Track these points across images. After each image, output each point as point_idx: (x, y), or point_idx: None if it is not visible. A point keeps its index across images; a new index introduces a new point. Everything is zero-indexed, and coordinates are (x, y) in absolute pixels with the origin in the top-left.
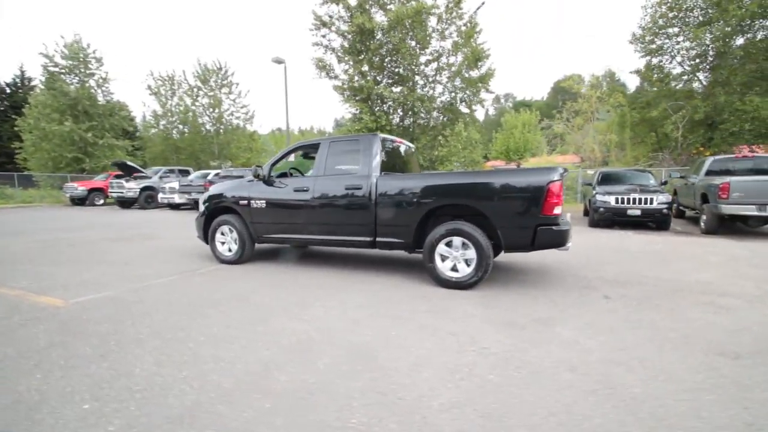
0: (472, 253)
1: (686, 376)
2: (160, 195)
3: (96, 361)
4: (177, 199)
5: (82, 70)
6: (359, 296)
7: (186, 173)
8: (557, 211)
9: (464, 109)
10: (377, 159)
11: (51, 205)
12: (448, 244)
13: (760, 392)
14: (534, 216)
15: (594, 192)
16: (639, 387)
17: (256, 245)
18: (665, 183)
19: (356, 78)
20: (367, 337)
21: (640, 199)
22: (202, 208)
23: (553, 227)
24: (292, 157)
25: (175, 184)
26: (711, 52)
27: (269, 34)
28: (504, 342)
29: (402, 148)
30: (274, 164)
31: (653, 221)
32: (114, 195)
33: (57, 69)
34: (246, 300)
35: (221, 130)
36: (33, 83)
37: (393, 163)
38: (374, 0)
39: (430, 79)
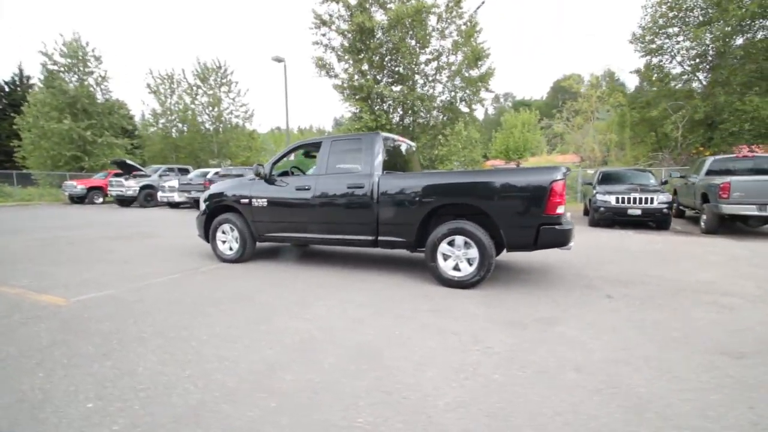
0: (474, 253)
1: (691, 375)
2: (159, 193)
3: (99, 359)
4: (176, 197)
5: (81, 69)
6: (361, 295)
7: (185, 172)
8: (560, 210)
9: (464, 109)
10: (379, 158)
11: (50, 204)
12: (451, 243)
13: (765, 392)
14: (537, 215)
15: (594, 191)
16: (644, 386)
17: (257, 244)
18: (665, 183)
19: (356, 77)
20: (370, 336)
21: (640, 199)
22: (203, 206)
23: (556, 226)
24: (293, 156)
25: (175, 183)
26: (711, 52)
27: (269, 33)
28: (507, 341)
29: (403, 147)
30: (275, 163)
31: (653, 221)
32: (113, 193)
33: (56, 67)
34: (248, 299)
35: (220, 129)
36: (32, 81)
37: (394, 162)
38: None
39: (430, 78)
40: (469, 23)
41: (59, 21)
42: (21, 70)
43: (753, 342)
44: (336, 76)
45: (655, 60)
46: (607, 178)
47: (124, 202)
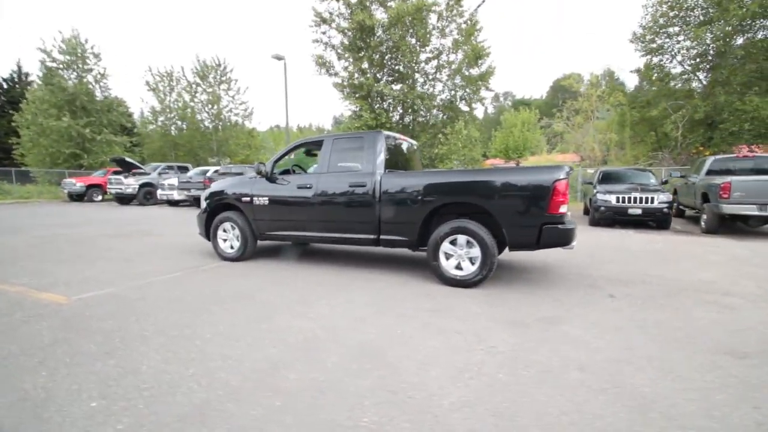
0: (476, 252)
1: (695, 375)
2: (159, 191)
3: (101, 358)
4: (176, 195)
5: (80, 66)
6: (363, 294)
7: (185, 170)
8: (563, 209)
9: (464, 108)
10: (381, 156)
11: (49, 201)
12: (453, 242)
13: None
14: (540, 214)
15: (595, 191)
16: (648, 386)
17: (258, 242)
18: (666, 182)
19: (356, 75)
20: (373, 335)
21: (641, 198)
22: (204, 204)
23: (559, 226)
24: (293, 156)
25: (174, 181)
26: (711, 52)
27: (268, 31)
28: (511, 341)
29: (404, 146)
30: (276, 161)
31: (654, 220)
32: (112, 191)
33: (55, 64)
34: (250, 297)
35: (220, 127)
36: (30, 78)
37: (395, 161)
38: None
39: (430, 77)
40: (469, 22)
41: (58, 18)
42: (20, 67)
43: (756, 342)
44: (336, 74)
45: (655, 59)
46: (607, 178)
47: (124, 200)
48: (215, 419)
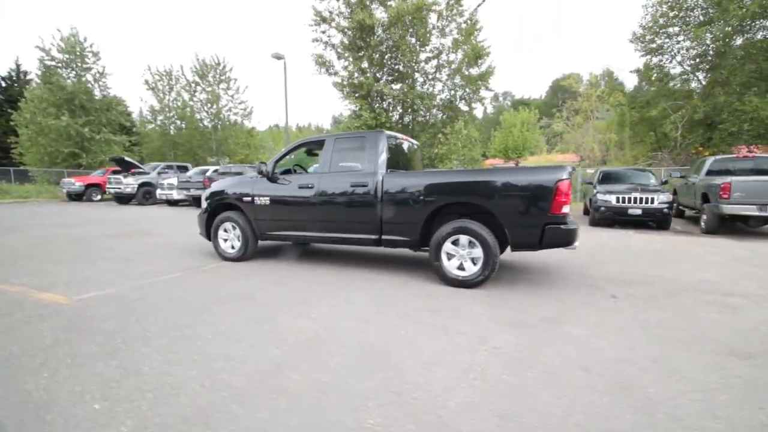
0: (478, 252)
1: (699, 376)
2: (158, 191)
3: (103, 359)
4: (175, 195)
5: (79, 65)
6: (364, 294)
7: (184, 169)
8: (565, 210)
9: (464, 107)
10: (383, 156)
11: (47, 201)
12: (455, 243)
13: None
14: (542, 215)
15: (595, 191)
16: (653, 387)
17: (258, 242)
18: (665, 182)
19: (356, 74)
20: (375, 336)
21: (641, 199)
22: (204, 204)
23: (562, 226)
24: (292, 156)
25: (174, 180)
26: (711, 52)
27: (267, 30)
28: (514, 341)
29: (405, 145)
30: (278, 161)
31: (654, 220)
32: (112, 191)
33: (53, 63)
34: (251, 298)
35: (219, 126)
36: (29, 77)
37: (396, 160)
38: None
39: (430, 77)
40: (469, 21)
41: (57, 16)
42: (18, 66)
43: (759, 342)
44: (336, 73)
45: (655, 59)
46: (607, 178)
47: (123, 199)
48: (220, 421)
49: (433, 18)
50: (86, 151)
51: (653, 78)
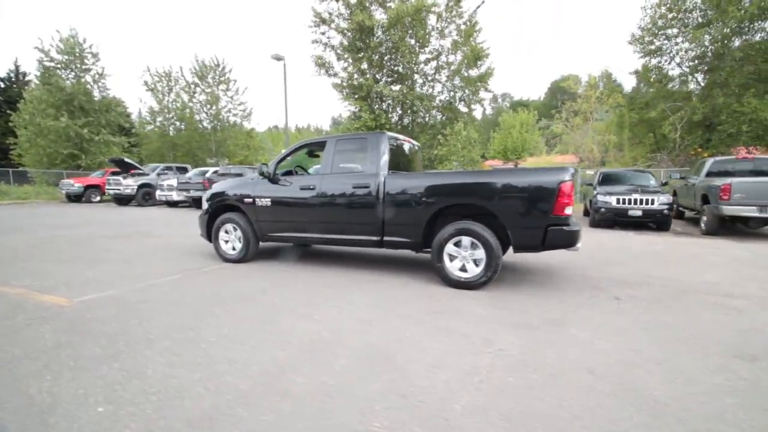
0: (481, 253)
1: (705, 378)
2: (157, 192)
3: (106, 362)
4: (175, 196)
5: (78, 66)
6: (367, 296)
7: (184, 170)
8: (568, 211)
9: (463, 108)
10: (385, 157)
11: (47, 202)
12: (457, 244)
13: None
14: (545, 216)
15: (595, 192)
16: (660, 390)
17: (260, 244)
18: (665, 183)
19: (356, 76)
20: (379, 338)
21: (641, 200)
22: (205, 206)
23: (564, 227)
24: (290, 158)
25: (173, 182)
26: (710, 54)
27: (267, 31)
28: (518, 343)
29: (406, 146)
30: (279, 162)
31: (654, 222)
32: (111, 192)
33: (53, 64)
34: (253, 299)
35: (218, 127)
36: (28, 78)
37: (397, 162)
38: None
39: (430, 78)
40: (468, 23)
41: (56, 17)
42: (17, 67)
43: (763, 344)
44: (335, 74)
45: (654, 61)
46: (607, 179)
47: (122, 200)
48: (225, 424)
49: (432, 19)
50: (85, 152)
51: (652, 79)
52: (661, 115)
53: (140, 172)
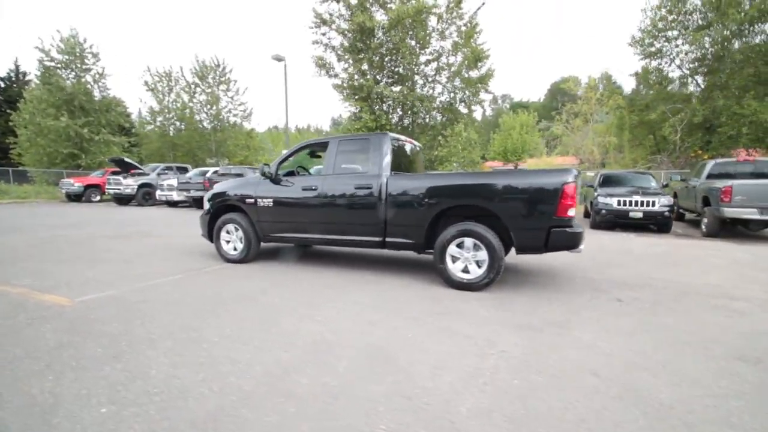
0: (483, 255)
1: (710, 381)
2: (158, 192)
3: (109, 362)
4: (175, 196)
5: (79, 65)
6: (368, 297)
7: (184, 170)
8: (571, 213)
9: (463, 110)
10: (387, 158)
11: (46, 201)
12: (460, 245)
13: None
14: (548, 217)
15: (596, 194)
16: (665, 392)
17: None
18: (666, 185)
19: (356, 77)
20: (382, 339)
21: (642, 202)
22: (206, 206)
23: (567, 229)
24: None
25: (174, 182)
26: (710, 56)
27: (266, 32)
28: (522, 345)
29: (408, 147)
30: (281, 163)
31: (655, 224)
32: (111, 192)
33: (53, 64)
34: (255, 300)
35: (218, 128)
36: (28, 78)
37: (399, 162)
38: None
39: (430, 79)
40: (469, 24)
41: (57, 17)
42: (17, 66)
43: (766, 347)
44: (336, 75)
45: (654, 63)
46: (608, 181)
47: (122, 200)
48: (229, 425)
49: (432, 21)
50: (85, 151)
51: (652, 81)
52: (661, 117)
53: (140, 171)
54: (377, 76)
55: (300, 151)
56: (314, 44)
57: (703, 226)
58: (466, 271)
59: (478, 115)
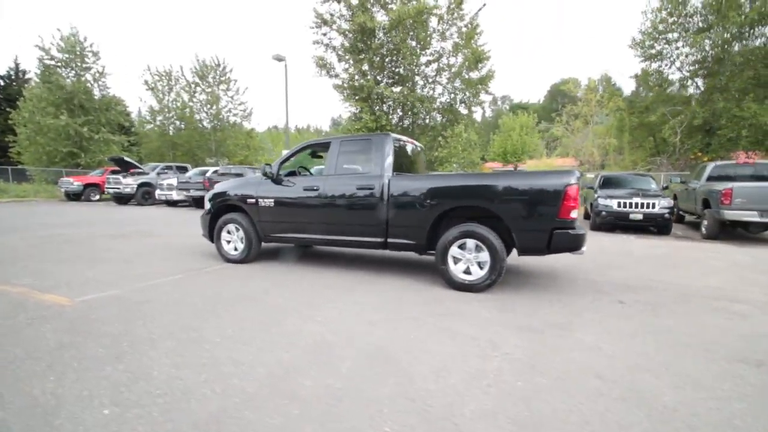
0: (485, 256)
1: (713, 383)
2: (157, 191)
3: (111, 362)
4: (175, 195)
5: (79, 64)
6: (370, 297)
7: (184, 170)
8: (574, 214)
9: (463, 111)
10: (390, 159)
11: (45, 200)
12: (461, 247)
13: None
14: (550, 219)
15: (596, 196)
16: (669, 395)
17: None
18: (666, 188)
19: (357, 77)
20: (385, 340)
21: (642, 204)
22: (207, 205)
23: (570, 231)
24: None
25: (173, 181)
26: (710, 58)
27: (265, 31)
28: (525, 347)
29: (409, 148)
30: (282, 163)
31: (655, 226)
32: (110, 191)
33: (53, 62)
34: (256, 300)
35: (218, 127)
36: (28, 76)
37: (400, 163)
38: None
39: (430, 80)
40: (469, 25)
41: (57, 15)
42: (17, 65)
43: None
44: (336, 75)
45: (654, 65)
46: (608, 183)
47: (122, 199)
48: (233, 427)
49: (433, 22)
50: (85, 150)
51: (652, 84)
52: (661, 119)
53: (140, 171)
54: (378, 77)
55: (302, 152)
56: (315, 44)
57: (703, 228)
58: (467, 272)
59: (477, 116)
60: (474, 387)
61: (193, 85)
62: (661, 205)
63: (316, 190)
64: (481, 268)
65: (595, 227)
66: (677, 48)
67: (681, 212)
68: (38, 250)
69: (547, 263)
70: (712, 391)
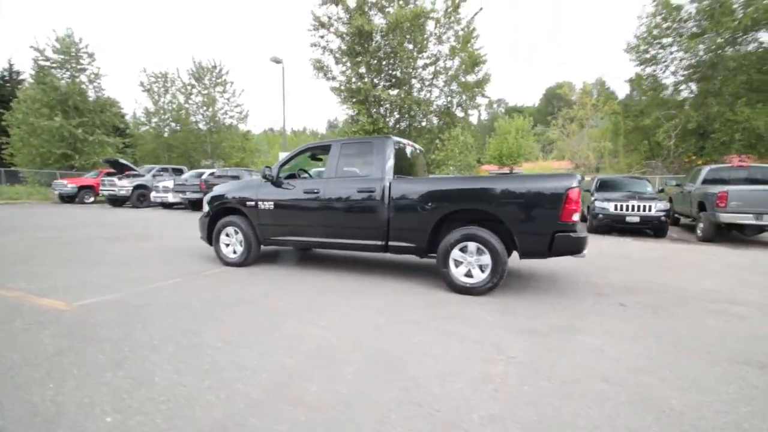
0: (487, 259)
1: (718, 386)
2: (153, 194)
3: (111, 369)
4: (171, 198)
5: (74, 65)
6: (372, 301)
7: (180, 172)
8: (575, 217)
9: (460, 114)
10: (391, 162)
11: (39, 203)
12: (463, 250)
13: None
14: (552, 222)
15: (593, 198)
16: (675, 398)
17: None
18: (662, 190)
19: (354, 80)
20: (389, 344)
21: (638, 207)
22: (206, 208)
23: (571, 234)
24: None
25: (169, 183)
26: (704, 63)
27: (261, 33)
28: (529, 351)
29: (408, 150)
30: (282, 165)
31: (651, 228)
32: (105, 193)
33: (48, 63)
34: (256, 304)
35: (214, 129)
36: (22, 77)
37: (399, 166)
38: (373, 2)
39: (427, 83)
40: (466, 29)
41: (52, 16)
42: (11, 65)
43: None
44: (334, 78)
45: (648, 69)
46: (604, 186)
47: (116, 202)
48: None
49: (430, 25)
50: (79, 152)
51: (646, 88)
52: (655, 122)
53: (135, 173)
54: (375, 80)
55: (301, 154)
56: (312, 47)
57: (699, 231)
58: (469, 275)
59: (473, 119)
60: (481, 391)
61: (189, 87)
62: (657, 208)
63: (317, 192)
64: (483, 271)
65: (592, 230)
66: (671, 53)
67: (677, 215)
68: (34, 253)
69: (547, 266)
70: (718, 394)
